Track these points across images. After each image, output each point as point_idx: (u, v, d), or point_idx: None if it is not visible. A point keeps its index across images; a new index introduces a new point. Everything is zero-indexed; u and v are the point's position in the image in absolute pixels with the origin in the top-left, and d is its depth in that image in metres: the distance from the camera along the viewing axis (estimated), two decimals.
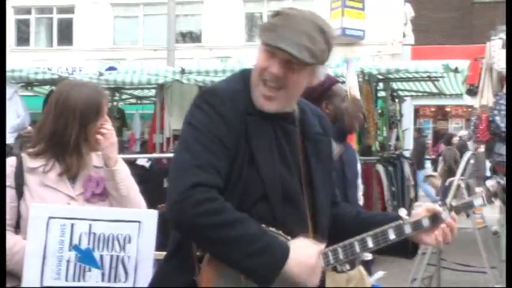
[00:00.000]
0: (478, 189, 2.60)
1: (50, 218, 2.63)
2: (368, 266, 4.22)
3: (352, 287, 3.83)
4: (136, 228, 2.76)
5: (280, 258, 2.04)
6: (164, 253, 2.33)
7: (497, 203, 7.81)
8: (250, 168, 2.17)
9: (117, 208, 2.91)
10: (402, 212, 2.35)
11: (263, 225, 2.12)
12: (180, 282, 2.16)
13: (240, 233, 2.04)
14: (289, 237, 2.15)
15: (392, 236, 2.29)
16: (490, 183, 2.61)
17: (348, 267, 3.80)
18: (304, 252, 2.09)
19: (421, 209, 2.40)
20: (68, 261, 2.64)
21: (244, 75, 2.32)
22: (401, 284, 7.47)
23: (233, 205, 2.10)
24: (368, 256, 4.10)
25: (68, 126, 2.85)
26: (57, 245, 2.63)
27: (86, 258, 2.68)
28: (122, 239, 2.75)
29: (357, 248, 2.25)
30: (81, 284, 2.67)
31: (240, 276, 2.10)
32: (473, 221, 7.82)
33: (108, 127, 2.94)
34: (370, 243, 2.26)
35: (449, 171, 13.93)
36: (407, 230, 2.32)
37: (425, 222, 2.34)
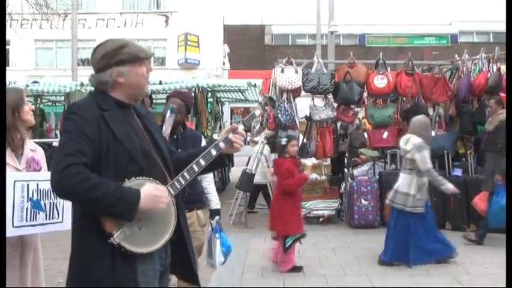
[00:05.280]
0: (255, 105, 2.51)
1: (16, 181, 2.59)
2: (217, 213, 3.87)
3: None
4: None
5: (133, 201, 1.98)
6: None
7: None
8: (115, 144, 2.07)
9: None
10: (216, 136, 2.36)
11: (139, 176, 2.07)
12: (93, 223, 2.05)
13: (104, 191, 1.95)
14: (157, 181, 2.10)
15: (214, 152, 2.26)
16: (260, 104, 2.45)
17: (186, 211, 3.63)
18: (149, 193, 2.03)
19: (224, 130, 2.35)
20: (27, 209, 2.61)
21: (93, 93, 2.23)
22: (225, 218, 7.68)
23: (111, 169, 2.05)
24: (217, 205, 3.86)
25: (7, 115, 2.72)
26: (20, 199, 2.59)
27: (36, 205, 2.66)
28: None
29: (195, 168, 2.21)
30: (34, 222, 2.66)
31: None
32: (265, 178, 8.13)
33: None
34: (202, 162, 2.23)
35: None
36: (222, 145, 2.29)
37: (231, 136, 2.31)
